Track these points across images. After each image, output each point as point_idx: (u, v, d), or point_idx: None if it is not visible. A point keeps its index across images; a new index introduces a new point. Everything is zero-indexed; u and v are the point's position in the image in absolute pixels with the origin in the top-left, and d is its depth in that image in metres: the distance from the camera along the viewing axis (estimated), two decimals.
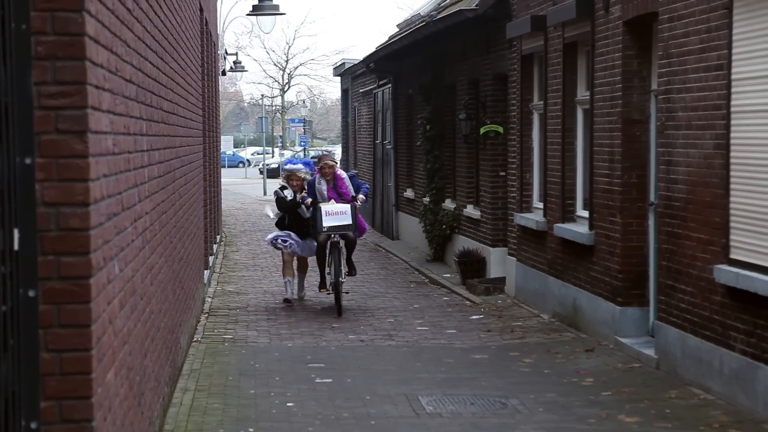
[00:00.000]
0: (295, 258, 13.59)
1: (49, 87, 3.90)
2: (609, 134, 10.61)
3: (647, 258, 10.20)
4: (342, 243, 12.90)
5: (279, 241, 13.41)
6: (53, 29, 3.90)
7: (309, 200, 13.02)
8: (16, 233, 3.53)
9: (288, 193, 13.44)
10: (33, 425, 3.67)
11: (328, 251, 12.95)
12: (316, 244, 13.11)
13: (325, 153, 14.06)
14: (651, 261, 10.11)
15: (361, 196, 13.05)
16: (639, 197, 10.27)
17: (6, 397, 3.28)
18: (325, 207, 12.71)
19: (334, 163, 13.23)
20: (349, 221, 12.70)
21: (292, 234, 13.42)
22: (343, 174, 13.29)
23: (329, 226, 12.64)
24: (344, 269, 12.90)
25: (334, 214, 12.67)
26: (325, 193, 12.99)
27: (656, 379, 8.98)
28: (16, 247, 3.53)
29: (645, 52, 10.17)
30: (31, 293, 3.69)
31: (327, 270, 13.06)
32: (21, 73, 3.61)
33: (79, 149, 3.93)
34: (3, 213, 3.32)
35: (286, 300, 13.47)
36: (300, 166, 13.74)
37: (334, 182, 13.08)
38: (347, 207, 12.78)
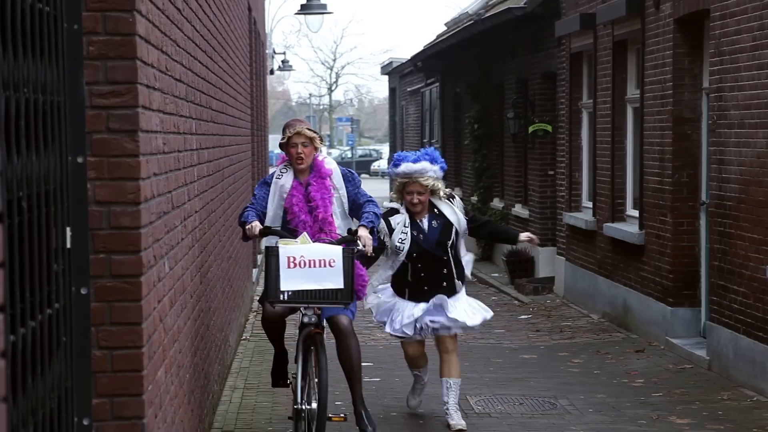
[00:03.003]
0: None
1: (100, 86, 3.93)
2: (659, 133, 10.50)
3: (699, 258, 10.08)
4: (320, 330, 6.43)
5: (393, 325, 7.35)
6: (104, 29, 3.92)
7: (254, 225, 6.45)
8: (68, 232, 3.56)
9: (399, 221, 7.20)
10: (85, 422, 3.70)
11: (299, 342, 6.45)
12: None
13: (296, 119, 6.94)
14: (702, 261, 9.99)
15: (364, 233, 6.41)
16: (690, 196, 10.15)
17: (59, 394, 3.31)
18: (286, 249, 6.10)
19: (310, 134, 6.53)
20: (336, 283, 6.13)
21: (403, 305, 7.37)
22: (331, 164, 6.70)
23: (292, 291, 6.14)
24: (321, 391, 6.23)
25: (307, 265, 6.10)
26: (285, 194, 6.63)
27: (708, 380, 8.87)
28: (68, 245, 3.56)
29: (696, 49, 10.05)
30: (83, 291, 3.73)
31: (293, 377, 6.53)
32: (73, 73, 3.64)
33: (130, 148, 3.96)
34: (56, 212, 3.35)
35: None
36: (424, 165, 7.18)
37: (309, 178, 6.60)
38: (335, 253, 6.13)
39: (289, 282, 6.10)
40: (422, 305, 7.27)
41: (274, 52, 34.98)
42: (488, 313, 7.43)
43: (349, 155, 56.81)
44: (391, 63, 30.48)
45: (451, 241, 7.27)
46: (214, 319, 7.38)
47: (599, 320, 12.06)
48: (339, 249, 6.19)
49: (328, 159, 6.82)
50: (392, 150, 32.26)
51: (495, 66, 17.70)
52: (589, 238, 12.65)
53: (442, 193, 7.36)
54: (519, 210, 16.38)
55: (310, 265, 6.11)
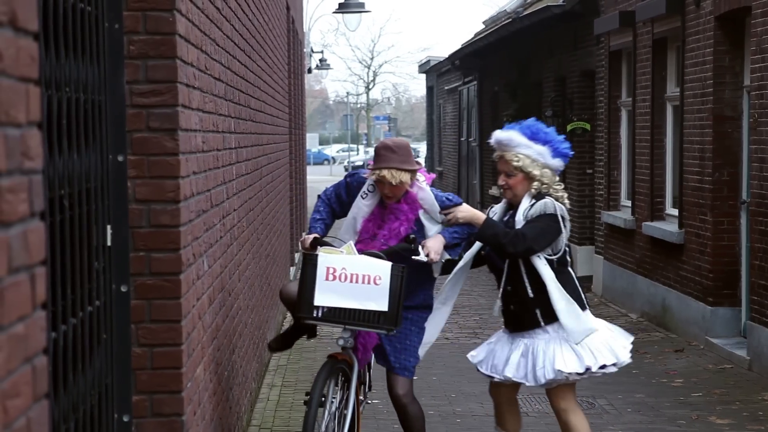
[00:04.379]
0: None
1: (140, 85, 3.95)
2: (699, 131, 10.42)
3: (739, 257, 9.99)
4: (358, 359, 5.67)
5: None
6: (145, 29, 3.95)
7: (307, 238, 5.70)
8: (108, 230, 3.59)
9: (496, 210, 5.75)
10: (125, 418, 3.73)
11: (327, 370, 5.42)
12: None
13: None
14: (743, 260, 9.90)
15: (432, 242, 5.57)
16: (730, 195, 10.06)
17: (99, 391, 3.33)
18: (327, 258, 5.38)
19: (398, 180, 5.48)
20: (380, 304, 5.33)
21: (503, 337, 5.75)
22: (425, 191, 5.64)
23: (327, 308, 5.37)
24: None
25: (348, 279, 5.34)
26: (362, 218, 5.75)
27: (748, 380, 8.79)
28: (108, 243, 3.59)
29: (737, 47, 9.96)
30: (123, 288, 3.76)
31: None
32: (114, 72, 3.67)
33: (170, 147, 3.98)
34: (96, 210, 3.37)
35: None
36: (512, 136, 5.50)
37: (397, 203, 5.66)
38: (382, 269, 5.33)
39: (325, 296, 5.27)
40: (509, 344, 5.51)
41: (312, 50, 35.05)
42: (585, 365, 5.40)
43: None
44: (428, 61, 30.46)
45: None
46: (252, 317, 7.41)
47: (638, 319, 11.98)
48: (388, 265, 5.27)
49: (423, 183, 5.64)
50: (429, 149, 32.16)
51: (533, 64, 17.63)
52: (628, 236, 12.57)
53: (540, 187, 5.38)
54: None
55: (351, 279, 5.27)
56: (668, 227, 11.28)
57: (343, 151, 68.63)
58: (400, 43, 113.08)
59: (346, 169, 46.87)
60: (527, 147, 5.38)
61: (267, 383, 8.60)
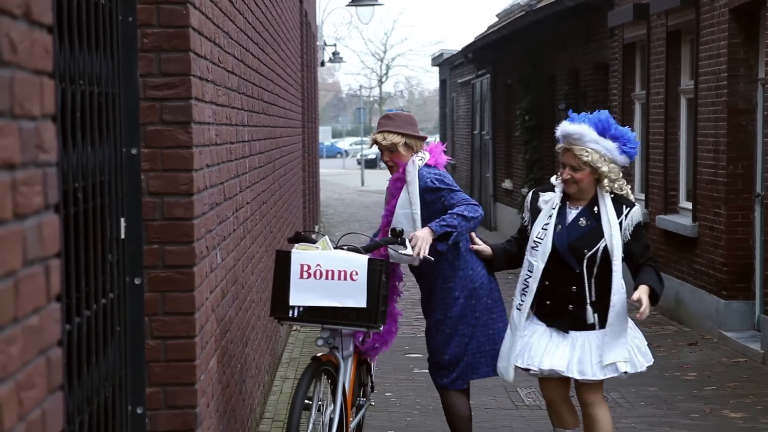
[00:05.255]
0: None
1: (154, 78, 3.96)
2: (714, 124, 10.38)
3: (753, 250, 9.96)
4: (349, 362, 5.40)
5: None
6: (159, 21, 3.95)
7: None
8: (122, 222, 3.60)
9: (548, 199, 5.46)
10: (139, 410, 3.74)
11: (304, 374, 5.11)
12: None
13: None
14: (757, 253, 9.87)
15: (421, 233, 5.33)
16: (745, 188, 10.03)
17: (113, 383, 3.34)
18: (300, 255, 5.14)
19: (389, 142, 5.55)
20: (357, 301, 5.09)
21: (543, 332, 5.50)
22: (414, 165, 5.52)
23: (303, 307, 5.14)
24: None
25: (323, 276, 5.10)
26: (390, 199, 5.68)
27: (762, 374, 8.77)
28: (122, 235, 3.60)
29: (752, 40, 9.92)
30: (136, 281, 3.77)
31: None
32: (127, 65, 3.67)
33: (183, 140, 3.99)
34: (110, 203, 3.38)
35: None
36: (583, 130, 5.27)
37: (397, 181, 5.63)
38: (358, 263, 5.10)
39: (301, 295, 5.04)
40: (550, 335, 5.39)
41: (325, 44, 35.05)
42: (621, 370, 5.37)
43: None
44: (441, 54, 30.42)
45: (590, 253, 5.25)
46: (265, 310, 7.43)
47: (651, 312, 11.96)
48: (364, 259, 5.04)
49: (415, 162, 5.52)
50: (443, 142, 32.15)
51: (546, 57, 17.59)
52: None
53: (612, 185, 5.30)
54: None
55: (327, 276, 5.03)
56: (682, 220, 11.25)
57: (356, 144, 68.62)
58: (413, 36, 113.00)
59: (359, 162, 46.84)
60: (596, 142, 5.24)
61: (280, 376, 8.62)
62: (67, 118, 2.81)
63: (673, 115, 11.82)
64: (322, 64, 31.55)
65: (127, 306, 3.64)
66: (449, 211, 5.36)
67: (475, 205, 5.40)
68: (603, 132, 5.26)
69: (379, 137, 5.56)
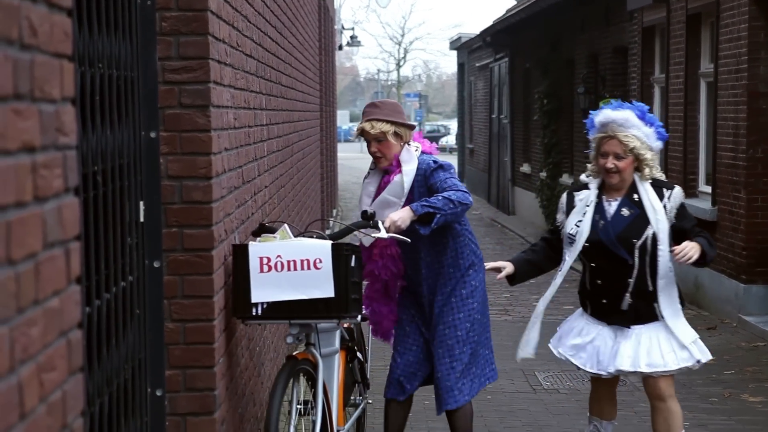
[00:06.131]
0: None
1: (172, 62, 3.96)
2: (734, 108, 10.32)
3: None
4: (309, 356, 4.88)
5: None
6: (177, 5, 3.95)
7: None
8: (141, 206, 3.61)
9: (583, 197, 5.34)
10: (158, 392, 3.76)
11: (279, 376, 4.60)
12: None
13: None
14: None
15: (397, 215, 5.06)
16: (764, 172, 9.98)
17: (133, 365, 3.36)
18: (258, 247, 4.62)
19: (378, 130, 5.26)
20: (324, 290, 4.61)
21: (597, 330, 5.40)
22: (410, 152, 5.30)
23: (267, 304, 4.59)
24: None
25: (285, 267, 4.60)
26: (367, 197, 5.42)
27: None
28: (141, 219, 3.61)
29: None
30: (156, 264, 3.78)
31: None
32: (146, 49, 3.68)
33: (202, 123, 3.99)
34: (129, 186, 3.39)
35: None
36: (627, 116, 5.24)
37: (390, 174, 5.34)
38: (321, 250, 4.62)
39: (263, 291, 4.52)
40: (609, 333, 5.29)
41: (343, 27, 34.98)
42: (695, 358, 5.28)
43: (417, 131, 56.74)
44: (459, 38, 30.33)
45: (640, 242, 5.13)
46: None
47: None
48: (327, 245, 4.58)
49: (410, 150, 5.28)
50: (460, 126, 32.08)
51: (565, 41, 17.52)
52: None
53: (652, 172, 5.22)
54: None
55: (289, 267, 4.54)
56: (701, 204, 11.20)
57: None
58: (431, 20, 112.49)
59: None
60: (639, 128, 5.17)
61: None
62: (86, 102, 2.81)
63: (693, 98, 11.75)
64: (340, 47, 31.50)
65: (146, 289, 3.65)
66: (436, 194, 5.09)
67: (465, 192, 5.11)
68: (642, 118, 5.22)
69: (367, 126, 5.23)
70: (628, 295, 5.17)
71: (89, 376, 2.78)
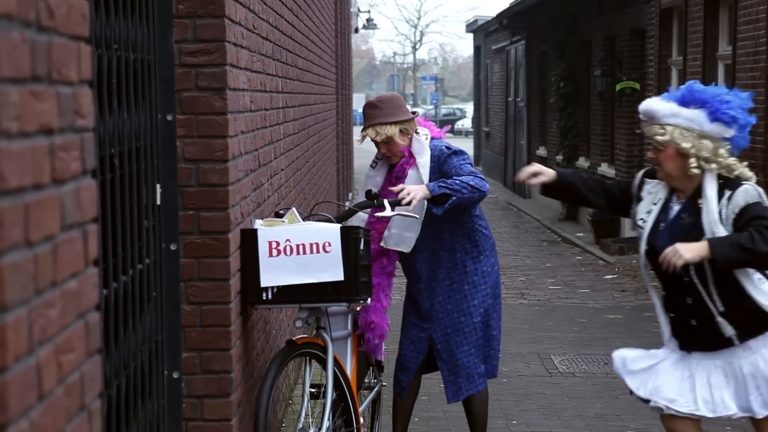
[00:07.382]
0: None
1: (189, 45, 3.96)
2: (752, 90, 10.26)
3: None
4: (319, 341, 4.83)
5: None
6: None
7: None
8: (158, 188, 3.62)
9: (654, 191, 4.54)
10: (175, 375, 3.78)
11: (275, 358, 4.57)
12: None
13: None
14: None
15: (411, 186, 4.99)
16: None
17: (149, 347, 3.38)
18: (267, 231, 4.57)
19: (383, 135, 5.21)
20: (334, 274, 4.58)
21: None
22: (420, 142, 5.24)
23: (278, 288, 4.55)
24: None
25: (294, 251, 4.57)
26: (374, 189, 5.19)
27: None
28: (158, 201, 3.62)
29: None
30: (172, 247, 3.79)
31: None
32: (163, 32, 3.68)
33: (218, 106, 3.99)
34: (146, 169, 3.40)
35: None
36: (656, 106, 4.46)
37: (401, 165, 5.28)
38: (330, 233, 4.60)
39: (272, 275, 4.49)
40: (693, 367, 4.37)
41: (359, 10, 34.92)
42: None
43: (433, 114, 56.72)
44: (476, 21, 30.24)
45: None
46: None
47: None
48: (336, 228, 4.56)
49: (420, 139, 5.20)
50: (477, 109, 32.02)
51: (582, 23, 17.44)
52: None
53: (710, 167, 4.33)
54: (605, 169, 16.18)
55: (298, 251, 4.52)
56: None
57: None
58: (447, 3, 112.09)
59: None
60: (675, 116, 4.33)
61: None
62: (103, 84, 2.82)
63: (711, 80, 11.70)
64: (356, 30, 31.45)
65: (163, 272, 3.66)
66: (453, 177, 5.00)
67: (482, 179, 5.03)
68: (686, 101, 4.41)
69: (371, 133, 5.15)
70: (694, 317, 4.33)
71: (107, 358, 2.79)
